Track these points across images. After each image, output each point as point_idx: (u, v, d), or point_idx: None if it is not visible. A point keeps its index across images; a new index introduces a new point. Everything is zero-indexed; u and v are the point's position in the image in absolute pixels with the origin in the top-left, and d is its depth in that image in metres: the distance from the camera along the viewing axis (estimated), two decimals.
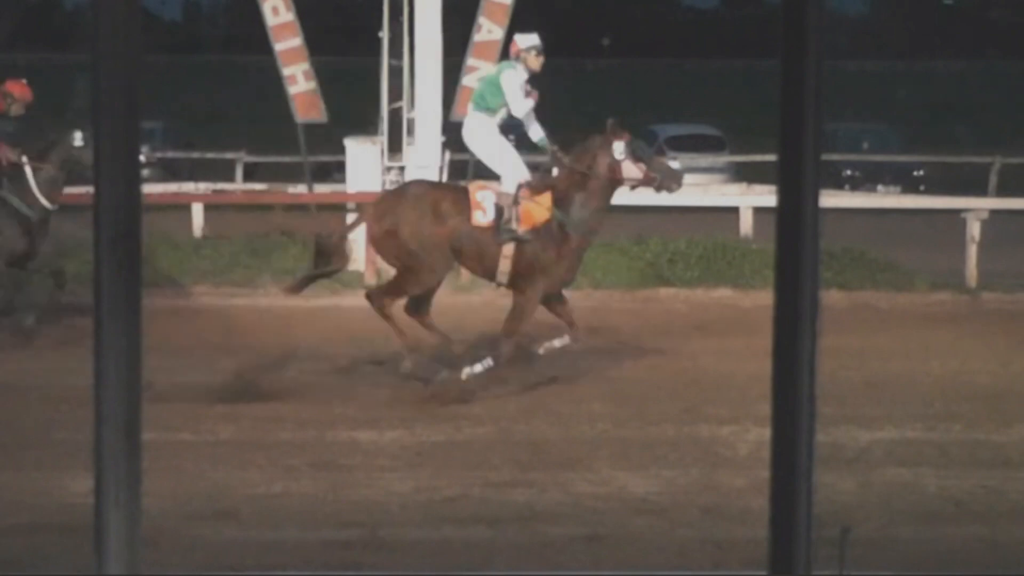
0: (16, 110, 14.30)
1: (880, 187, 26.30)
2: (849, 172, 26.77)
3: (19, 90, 14.42)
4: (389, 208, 12.15)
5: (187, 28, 71.91)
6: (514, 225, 11.99)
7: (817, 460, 2.29)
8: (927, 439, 10.63)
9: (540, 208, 12.07)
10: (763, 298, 14.40)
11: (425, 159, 17.63)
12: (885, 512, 8.76)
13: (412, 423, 10.81)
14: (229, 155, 25.07)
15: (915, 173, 27.01)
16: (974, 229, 17.85)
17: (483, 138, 12.49)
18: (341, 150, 18.01)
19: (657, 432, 10.71)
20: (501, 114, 12.40)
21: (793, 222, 2.29)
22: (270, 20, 18.00)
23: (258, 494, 9.11)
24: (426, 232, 11.92)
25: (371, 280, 16.87)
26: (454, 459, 9.96)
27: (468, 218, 12.04)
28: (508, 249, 12.00)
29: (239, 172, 24.53)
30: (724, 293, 16.59)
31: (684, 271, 17.04)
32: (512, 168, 12.31)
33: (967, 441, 10.60)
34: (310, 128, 18.50)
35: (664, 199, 15.68)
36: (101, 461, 2.20)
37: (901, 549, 8.13)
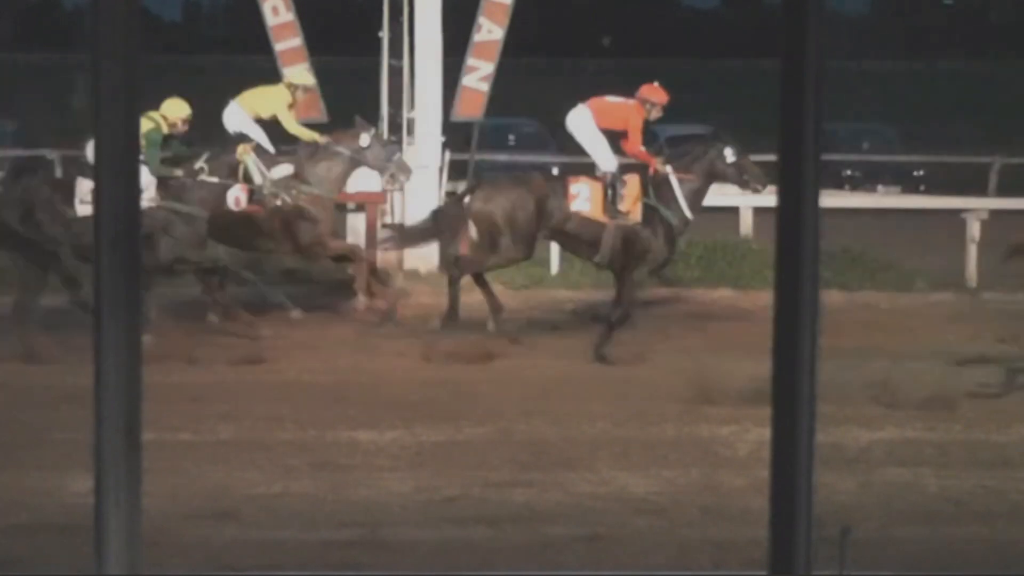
0: (656, 114, 14.41)
1: (880, 187, 26.26)
2: (849, 172, 26.74)
3: (657, 95, 14.43)
4: None
5: (187, 28, 71.83)
6: None
7: (817, 460, 2.29)
8: (927, 439, 10.62)
9: None
10: (763, 298, 14.39)
11: (425, 159, 17.62)
12: (885, 512, 8.76)
13: (412, 423, 10.81)
14: None
15: (915, 173, 26.97)
16: (974, 229, 17.84)
17: None
18: None
19: (657, 432, 10.71)
20: None
21: (793, 222, 2.29)
22: (270, 20, 17.99)
23: (258, 494, 9.11)
24: None
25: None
26: (454, 459, 9.96)
27: None
28: None
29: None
30: (724, 293, 16.58)
31: (684, 271, 17.03)
32: None
33: (967, 441, 10.60)
34: (310, 128, 18.47)
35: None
36: (101, 461, 2.20)
37: (901, 549, 8.13)
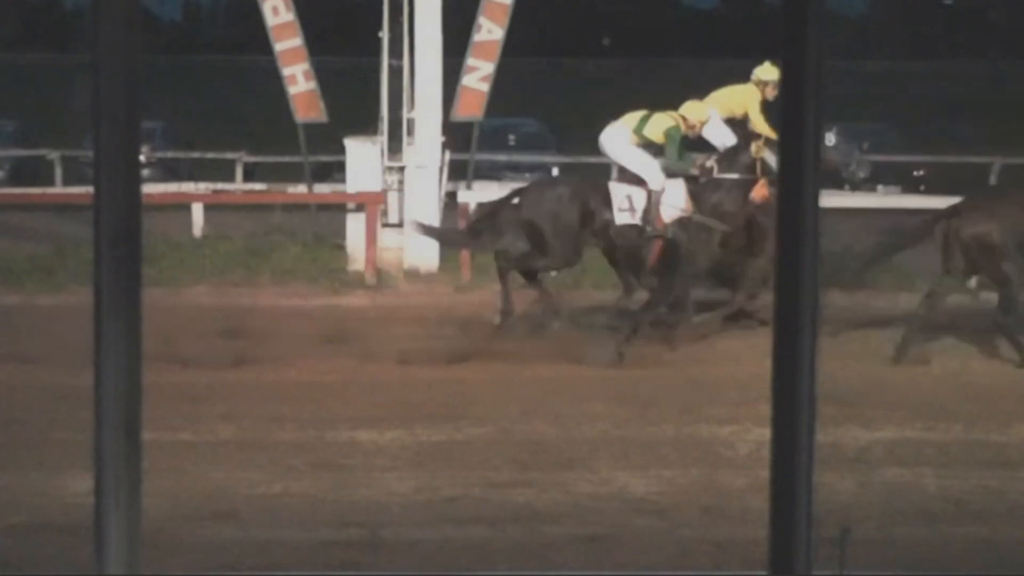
0: None
1: (880, 187, 26.25)
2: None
3: None
4: None
5: (187, 28, 71.85)
6: None
7: (817, 460, 2.29)
8: (927, 439, 10.62)
9: None
10: (763, 298, 14.39)
11: (425, 159, 17.63)
12: (885, 512, 8.76)
13: (412, 423, 10.80)
14: (229, 155, 25.09)
15: (915, 173, 26.96)
16: None
17: None
18: (341, 150, 18.01)
19: (657, 432, 10.71)
20: None
21: (793, 222, 2.29)
22: (270, 20, 18.00)
23: (258, 494, 9.11)
24: None
25: (371, 279, 16.88)
26: (454, 459, 9.96)
27: None
28: None
29: (239, 172, 24.54)
30: (723, 293, 16.56)
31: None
32: None
33: (967, 441, 10.60)
34: (310, 128, 18.50)
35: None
36: (101, 461, 2.20)
37: (901, 549, 8.14)
